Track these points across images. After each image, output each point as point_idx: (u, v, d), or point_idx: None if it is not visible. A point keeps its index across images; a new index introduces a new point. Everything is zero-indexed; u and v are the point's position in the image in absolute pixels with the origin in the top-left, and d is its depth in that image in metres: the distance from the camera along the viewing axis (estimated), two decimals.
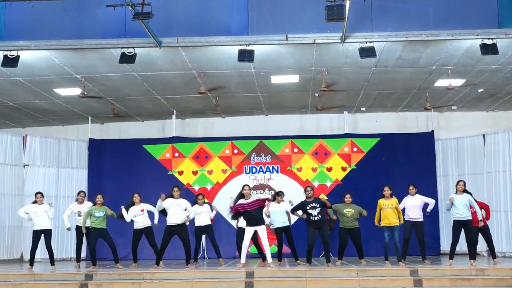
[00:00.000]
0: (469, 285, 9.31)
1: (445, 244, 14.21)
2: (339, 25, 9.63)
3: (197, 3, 10.41)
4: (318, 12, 9.63)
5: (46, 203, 11.56)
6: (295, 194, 12.68)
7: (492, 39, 9.96)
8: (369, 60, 10.82)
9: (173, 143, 15.11)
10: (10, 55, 10.25)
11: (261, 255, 11.81)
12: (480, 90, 13.22)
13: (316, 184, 14.66)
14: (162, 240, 10.98)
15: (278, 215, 11.51)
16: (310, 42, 10.22)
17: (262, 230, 10.64)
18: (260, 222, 10.66)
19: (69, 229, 11.84)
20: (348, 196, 11.72)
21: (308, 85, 12.74)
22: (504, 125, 14.76)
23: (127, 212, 11.36)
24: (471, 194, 10.99)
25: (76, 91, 12.32)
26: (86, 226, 11.42)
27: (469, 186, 12.19)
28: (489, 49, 9.96)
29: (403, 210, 11.48)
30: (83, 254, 12.81)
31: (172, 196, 10.93)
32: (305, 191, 11.14)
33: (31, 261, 11.42)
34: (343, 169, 14.86)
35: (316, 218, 10.81)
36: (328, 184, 14.71)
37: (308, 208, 10.87)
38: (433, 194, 14.10)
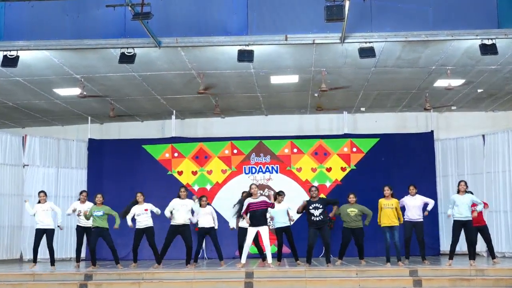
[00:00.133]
0: (468, 285, 9.32)
1: (445, 244, 14.21)
2: (339, 25, 9.63)
3: (196, 3, 10.41)
4: (318, 12, 9.63)
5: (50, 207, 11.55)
6: (294, 194, 12.72)
7: (491, 39, 9.96)
8: (368, 60, 10.82)
9: (172, 143, 15.11)
10: (9, 55, 10.25)
11: (261, 255, 11.82)
12: (479, 90, 13.22)
13: (315, 184, 14.64)
14: (166, 239, 11.08)
15: (279, 215, 11.52)
16: (309, 42, 10.21)
17: (264, 231, 10.66)
18: (263, 222, 10.70)
19: (74, 211, 11.77)
20: (352, 196, 11.75)
21: (307, 85, 12.74)
22: (503, 125, 14.76)
23: (129, 211, 11.43)
24: (471, 193, 11.00)
25: (75, 91, 12.31)
26: (89, 226, 11.50)
27: (469, 186, 12.15)
28: (488, 49, 9.96)
29: (403, 210, 11.49)
30: (83, 254, 12.79)
31: (178, 197, 11.11)
32: (310, 190, 11.16)
33: (35, 258, 11.42)
34: (343, 169, 14.86)
35: (317, 219, 10.81)
36: (328, 184, 14.71)
37: (310, 208, 10.87)
38: (433, 194, 14.10)
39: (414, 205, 11.54)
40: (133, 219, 11.54)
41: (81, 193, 12.11)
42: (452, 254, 10.85)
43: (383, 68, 11.60)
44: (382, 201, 11.08)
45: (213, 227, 11.55)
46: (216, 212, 12.09)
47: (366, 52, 10.09)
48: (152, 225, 11.48)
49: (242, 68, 11.39)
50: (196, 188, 14.75)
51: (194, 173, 14.99)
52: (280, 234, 11.69)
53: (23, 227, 14.40)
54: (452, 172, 14.80)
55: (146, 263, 12.26)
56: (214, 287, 9.49)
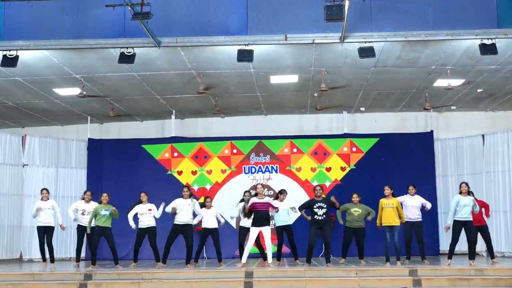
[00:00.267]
0: (468, 285, 9.31)
1: (444, 244, 14.21)
2: (338, 25, 9.62)
3: (196, 3, 10.40)
4: (317, 12, 9.63)
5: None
6: (294, 194, 12.71)
7: (491, 39, 9.95)
8: (368, 60, 10.82)
9: (172, 143, 15.11)
10: (9, 55, 10.25)
11: (262, 254, 11.82)
12: (479, 90, 13.22)
13: (315, 184, 14.64)
14: (168, 238, 11.13)
15: (281, 213, 11.54)
16: (309, 42, 10.21)
17: (266, 231, 10.67)
18: (266, 223, 10.70)
19: (75, 219, 11.78)
20: (355, 195, 11.78)
21: (307, 85, 12.74)
22: (503, 125, 14.77)
23: (132, 209, 11.49)
24: (472, 194, 11.00)
25: (75, 91, 12.31)
26: (91, 226, 11.45)
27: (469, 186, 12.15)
28: (488, 49, 9.95)
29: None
30: (83, 254, 12.78)
31: (181, 196, 11.17)
32: (314, 190, 11.16)
33: (43, 257, 11.42)
34: (342, 169, 14.86)
35: (320, 218, 10.82)
36: (327, 184, 14.70)
37: (314, 207, 10.88)
38: (432, 194, 14.15)
39: (413, 205, 11.54)
40: (136, 219, 11.56)
41: (85, 192, 12.11)
42: (451, 254, 10.85)
43: (383, 68, 11.60)
44: (383, 201, 11.07)
45: (216, 228, 11.55)
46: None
47: (366, 52, 10.09)
48: (155, 225, 11.52)
49: (241, 68, 11.39)
50: (196, 188, 14.75)
51: (194, 173, 14.99)
52: (281, 232, 11.71)
53: (23, 227, 14.41)
54: (451, 172, 14.81)
55: (146, 263, 12.26)
56: (214, 287, 9.48)
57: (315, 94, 13.33)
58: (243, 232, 11.54)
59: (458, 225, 10.73)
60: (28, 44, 10.24)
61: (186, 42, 10.22)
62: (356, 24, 9.95)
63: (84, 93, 12.03)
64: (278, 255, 11.79)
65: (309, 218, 11.03)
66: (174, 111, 14.83)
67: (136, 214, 11.56)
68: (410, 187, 11.70)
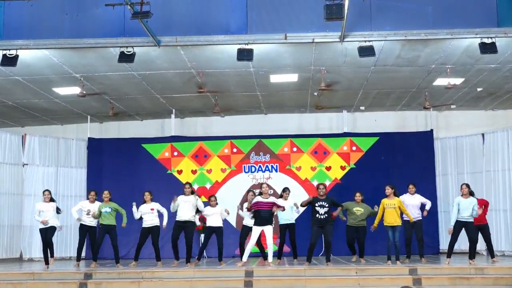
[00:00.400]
0: (468, 284, 9.32)
1: (444, 243, 14.20)
2: (338, 24, 9.62)
3: (196, 2, 10.39)
4: (317, 11, 9.64)
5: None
6: (294, 193, 12.68)
7: (491, 38, 9.95)
8: (368, 59, 10.81)
9: (172, 142, 15.10)
10: (9, 54, 10.24)
11: (263, 253, 11.83)
12: (479, 89, 13.22)
13: (315, 183, 14.63)
14: (172, 236, 11.23)
15: (285, 211, 11.55)
16: (309, 41, 10.21)
17: (268, 230, 10.69)
18: (268, 222, 10.72)
19: (79, 219, 11.78)
20: (358, 194, 11.79)
21: (307, 84, 12.74)
22: (503, 124, 14.76)
23: (137, 209, 11.53)
24: (473, 194, 11.01)
25: (75, 90, 12.32)
26: (95, 225, 11.57)
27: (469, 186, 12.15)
28: (488, 48, 9.95)
29: None
30: (83, 253, 12.77)
31: (183, 193, 11.25)
32: (318, 188, 11.13)
33: (46, 260, 11.42)
34: (342, 168, 14.86)
35: (322, 217, 10.82)
36: (328, 183, 14.65)
37: (316, 205, 10.88)
38: (432, 193, 14.14)
39: (413, 204, 11.53)
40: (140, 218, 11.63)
41: (89, 192, 12.12)
42: (450, 252, 10.86)
43: (383, 67, 11.60)
44: (384, 201, 11.03)
45: (221, 227, 11.59)
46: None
47: (366, 51, 10.09)
48: (158, 225, 11.55)
49: (241, 67, 11.38)
50: (195, 187, 14.73)
51: (194, 172, 14.99)
52: (284, 231, 11.74)
53: (23, 226, 14.41)
54: (451, 171, 14.81)
55: (146, 262, 12.26)
56: (214, 286, 9.48)
57: (315, 93, 13.33)
58: (245, 231, 11.53)
59: (458, 226, 10.73)
60: (28, 44, 10.24)
61: (186, 41, 10.22)
62: (356, 23, 9.95)
63: (84, 92, 12.03)
64: (279, 254, 11.80)
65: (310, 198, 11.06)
66: (174, 110, 14.83)
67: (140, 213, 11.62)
68: (410, 186, 11.70)
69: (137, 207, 11.55)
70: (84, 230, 11.73)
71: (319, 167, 14.88)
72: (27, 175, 14.63)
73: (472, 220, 10.72)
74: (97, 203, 11.67)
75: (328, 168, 14.86)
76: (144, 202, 11.59)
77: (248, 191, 12.28)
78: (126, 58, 10.27)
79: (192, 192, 11.43)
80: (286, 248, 12.43)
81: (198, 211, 11.42)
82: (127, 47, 10.24)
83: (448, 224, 11.91)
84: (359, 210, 11.63)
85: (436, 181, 14.81)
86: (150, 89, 12.90)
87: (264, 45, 10.35)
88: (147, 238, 11.52)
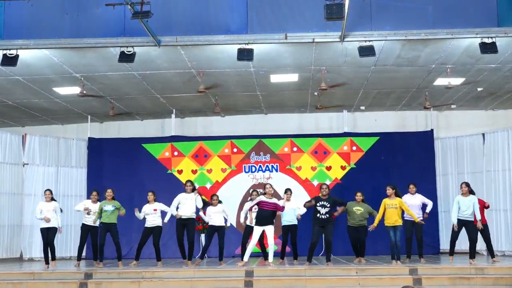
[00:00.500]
0: (468, 284, 9.32)
1: (445, 243, 14.21)
2: (339, 24, 9.62)
3: (196, 2, 10.39)
4: (317, 11, 9.63)
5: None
6: (294, 193, 12.67)
7: (491, 37, 9.95)
8: (368, 59, 10.81)
9: (172, 142, 15.10)
10: (9, 54, 10.24)
11: (264, 253, 11.83)
12: (479, 89, 13.22)
13: (315, 183, 14.66)
14: (177, 234, 11.24)
15: (287, 212, 11.57)
16: (309, 41, 10.21)
17: (270, 230, 10.72)
18: (270, 222, 10.74)
19: (86, 209, 11.75)
20: (359, 194, 11.79)
21: (307, 84, 12.74)
22: (503, 124, 14.76)
23: (140, 211, 11.57)
24: (474, 193, 11.00)
25: (75, 90, 12.32)
26: (96, 225, 11.59)
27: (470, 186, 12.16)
28: (488, 47, 9.94)
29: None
30: (84, 253, 12.76)
31: (185, 191, 11.32)
32: (321, 188, 11.19)
33: (46, 259, 11.44)
34: (343, 168, 14.85)
35: (323, 217, 10.85)
36: (328, 183, 14.64)
37: (318, 205, 10.90)
38: (433, 193, 14.13)
39: (414, 204, 11.51)
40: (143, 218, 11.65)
41: (91, 192, 12.13)
42: (452, 250, 10.87)
43: (383, 66, 11.60)
44: (386, 201, 11.03)
45: (223, 226, 11.62)
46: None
47: (366, 51, 10.09)
48: (161, 225, 11.55)
49: (241, 67, 11.38)
50: (196, 186, 14.71)
51: (194, 171, 14.99)
52: (286, 232, 11.74)
53: (23, 226, 14.41)
54: (452, 171, 14.80)
55: (146, 262, 12.26)
56: (214, 286, 9.48)
57: (315, 93, 13.33)
58: (248, 231, 11.51)
59: (458, 224, 10.76)
60: (28, 43, 10.24)
61: (186, 41, 10.22)
62: (356, 23, 9.95)
63: (84, 92, 12.03)
64: (282, 254, 11.80)
65: (312, 202, 11.06)
66: (174, 110, 14.83)
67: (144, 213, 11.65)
68: (411, 186, 11.69)
69: (139, 208, 11.56)
70: (85, 229, 11.75)
71: (319, 167, 14.88)
72: (27, 175, 14.63)
73: (472, 219, 10.73)
74: (99, 203, 11.69)
75: (329, 168, 14.86)
76: (147, 202, 11.61)
77: (253, 190, 12.30)
78: (126, 58, 10.27)
79: (193, 190, 11.44)
80: (287, 248, 12.41)
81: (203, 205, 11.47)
82: (127, 47, 10.24)
83: (448, 224, 11.91)
84: (359, 209, 11.62)
85: (437, 181, 14.80)
86: (150, 89, 12.90)
87: (264, 45, 10.35)
88: (148, 238, 11.53)
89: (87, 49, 10.46)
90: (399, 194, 11.11)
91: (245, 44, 10.17)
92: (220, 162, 15.00)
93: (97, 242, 11.66)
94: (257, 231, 10.72)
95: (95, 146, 15.28)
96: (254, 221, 10.92)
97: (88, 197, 12.76)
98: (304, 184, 14.74)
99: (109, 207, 11.35)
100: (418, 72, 11.96)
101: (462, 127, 15.10)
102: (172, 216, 11.43)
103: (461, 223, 10.71)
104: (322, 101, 13.92)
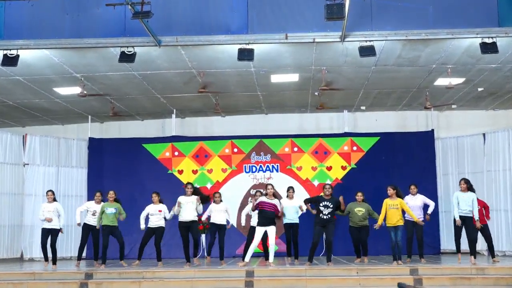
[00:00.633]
0: (469, 284, 9.31)
1: (445, 243, 14.22)
2: (339, 24, 9.62)
3: (196, 2, 10.39)
4: (318, 11, 9.63)
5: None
6: (295, 193, 12.67)
7: (492, 37, 9.94)
8: (369, 59, 10.81)
9: (173, 142, 15.10)
10: (9, 54, 10.24)
11: (265, 254, 11.83)
12: (480, 89, 13.21)
13: (316, 183, 14.67)
14: (181, 237, 11.24)
15: (290, 211, 11.56)
16: (309, 41, 10.20)
17: (271, 230, 10.73)
18: (272, 223, 10.75)
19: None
20: (360, 194, 11.79)
21: (308, 84, 12.73)
22: (504, 124, 14.76)
23: (144, 210, 11.65)
24: (474, 191, 10.99)
25: (75, 90, 12.32)
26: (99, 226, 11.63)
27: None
28: (489, 47, 9.94)
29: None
30: (84, 253, 12.77)
31: (185, 193, 11.31)
32: (324, 187, 11.20)
33: (46, 257, 11.49)
34: (343, 168, 14.85)
35: (325, 217, 10.86)
36: (328, 183, 14.68)
37: (321, 204, 10.91)
38: (433, 193, 14.12)
39: (415, 205, 11.50)
40: (146, 218, 11.65)
41: (95, 193, 12.14)
42: (458, 249, 10.85)
43: (384, 66, 11.59)
44: (387, 201, 11.02)
45: (224, 225, 11.67)
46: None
47: (367, 51, 10.08)
48: (164, 226, 11.60)
49: (242, 67, 11.38)
50: (196, 187, 14.72)
51: (195, 172, 14.98)
52: (288, 230, 11.75)
53: (24, 226, 14.41)
54: (452, 171, 14.79)
55: (147, 262, 12.26)
56: (215, 286, 9.48)
57: (316, 93, 13.32)
58: (253, 232, 11.48)
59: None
60: (29, 43, 10.24)
61: (186, 41, 10.21)
62: (356, 23, 9.94)
63: (85, 92, 12.03)
64: (287, 252, 11.88)
65: (314, 211, 11.06)
66: (174, 110, 14.82)
67: (147, 214, 11.68)
68: (412, 187, 11.68)
69: (144, 207, 11.66)
70: (87, 230, 11.77)
71: (320, 167, 14.88)
72: (28, 175, 14.63)
73: (471, 215, 10.69)
74: (101, 205, 11.70)
75: (329, 168, 14.86)
76: (152, 202, 11.64)
77: (256, 191, 12.30)
78: (126, 58, 10.27)
79: (195, 193, 11.41)
80: (285, 248, 12.42)
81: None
82: (127, 47, 10.24)
83: (449, 224, 11.91)
84: (360, 210, 11.63)
85: (437, 181, 14.79)
86: (150, 89, 12.90)
87: (264, 45, 10.34)
88: (151, 238, 11.57)
89: (87, 49, 10.46)
90: (400, 195, 11.10)
91: (246, 44, 10.17)
92: (220, 162, 15.00)
93: (98, 242, 11.67)
94: (259, 231, 10.74)
95: (96, 146, 15.29)
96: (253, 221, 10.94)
97: (90, 198, 12.77)
98: (305, 184, 14.74)
99: (110, 209, 11.35)
100: (418, 72, 11.95)
101: (463, 127, 15.09)
102: (174, 215, 11.47)
103: (460, 218, 10.70)
104: (322, 101, 13.92)
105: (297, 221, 11.80)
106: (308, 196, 13.47)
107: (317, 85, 12.51)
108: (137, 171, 14.94)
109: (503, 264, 10.64)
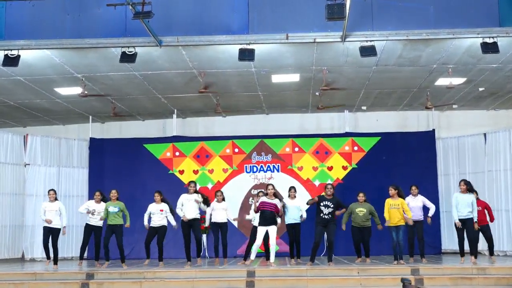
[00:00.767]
0: (470, 284, 9.32)
1: (446, 243, 14.22)
2: (340, 24, 9.62)
3: (197, 2, 10.38)
4: (319, 11, 9.62)
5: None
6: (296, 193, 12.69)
7: (493, 37, 9.93)
8: (369, 59, 10.80)
9: (173, 142, 15.11)
10: (10, 55, 10.24)
11: (266, 253, 11.84)
12: (481, 89, 13.20)
13: (317, 183, 14.67)
14: (183, 235, 11.24)
15: (292, 211, 11.56)
16: (310, 41, 10.20)
17: (273, 230, 10.75)
18: (273, 222, 10.77)
19: (88, 212, 11.82)
20: (361, 194, 11.80)
21: (308, 84, 12.73)
22: (505, 123, 14.75)
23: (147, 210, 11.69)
24: (476, 193, 10.96)
25: (76, 90, 12.32)
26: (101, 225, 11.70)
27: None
28: (490, 47, 9.93)
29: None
30: (86, 253, 12.79)
31: (187, 192, 11.36)
32: (326, 187, 11.22)
33: (48, 255, 11.51)
34: (344, 168, 14.85)
35: (326, 217, 10.87)
36: (330, 182, 14.67)
37: (321, 204, 10.92)
38: (434, 193, 14.14)
39: (416, 206, 11.53)
40: (149, 217, 11.67)
41: (94, 193, 12.15)
42: (462, 252, 10.85)
43: (384, 66, 11.59)
44: (389, 201, 11.03)
45: (226, 223, 11.70)
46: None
47: (367, 51, 10.07)
48: (166, 225, 11.63)
49: (243, 67, 11.38)
50: (197, 187, 14.71)
51: (196, 172, 14.98)
52: (291, 230, 11.76)
53: (25, 226, 14.42)
54: (453, 171, 14.78)
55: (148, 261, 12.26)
56: (216, 286, 9.49)
57: (317, 93, 13.32)
58: (255, 232, 11.49)
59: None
60: (30, 44, 10.24)
61: (187, 41, 10.21)
62: (357, 23, 9.94)
63: (86, 92, 12.03)
64: (290, 253, 11.86)
65: (316, 199, 11.08)
66: (175, 110, 14.83)
67: (150, 213, 11.70)
68: (413, 188, 11.69)
69: (145, 206, 11.68)
70: (89, 229, 11.80)
71: (320, 167, 14.88)
72: (29, 175, 14.64)
73: (471, 216, 10.68)
74: (103, 204, 11.72)
75: (330, 168, 14.86)
76: (154, 201, 11.67)
77: (259, 191, 12.30)
78: (127, 58, 10.27)
79: (196, 191, 11.43)
80: (285, 249, 12.42)
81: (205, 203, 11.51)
82: (128, 47, 10.24)
83: (450, 224, 11.90)
84: (361, 210, 11.63)
85: (438, 181, 14.79)
86: (151, 89, 12.90)
87: (265, 45, 10.34)
88: (154, 237, 11.60)
89: (88, 50, 10.46)
90: (402, 195, 11.11)
91: (246, 44, 10.17)
92: (221, 162, 15.01)
93: (99, 242, 11.69)
94: (261, 231, 10.76)
95: (97, 147, 15.30)
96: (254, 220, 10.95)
97: (90, 198, 12.77)
98: (306, 184, 14.74)
99: (113, 208, 11.36)
100: (419, 72, 11.95)
101: (464, 127, 15.08)
102: (177, 215, 11.49)
103: (460, 221, 10.69)
104: (323, 101, 13.91)
105: (299, 221, 11.81)
106: (309, 197, 13.49)
107: (318, 85, 12.51)
108: (138, 172, 14.94)
109: (504, 264, 10.65)
